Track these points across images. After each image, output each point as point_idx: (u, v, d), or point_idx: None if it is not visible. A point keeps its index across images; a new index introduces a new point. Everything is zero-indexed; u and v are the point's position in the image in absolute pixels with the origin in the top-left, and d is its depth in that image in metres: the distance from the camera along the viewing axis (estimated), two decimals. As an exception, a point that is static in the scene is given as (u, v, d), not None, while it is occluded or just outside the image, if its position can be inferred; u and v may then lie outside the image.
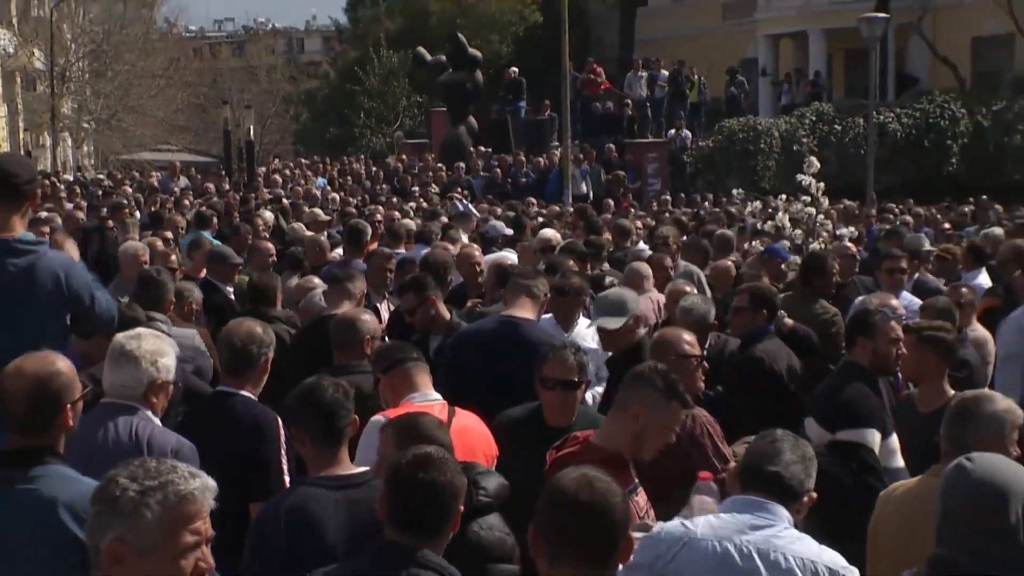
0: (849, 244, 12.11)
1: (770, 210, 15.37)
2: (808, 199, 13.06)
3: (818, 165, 13.12)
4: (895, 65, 39.89)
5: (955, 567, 3.45)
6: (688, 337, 6.47)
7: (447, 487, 3.88)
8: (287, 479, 5.56)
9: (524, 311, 7.12)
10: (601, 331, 7.19)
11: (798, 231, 12.82)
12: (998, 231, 14.09)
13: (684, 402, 5.01)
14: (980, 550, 3.44)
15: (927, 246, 13.01)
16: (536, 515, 3.46)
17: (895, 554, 4.67)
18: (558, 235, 12.69)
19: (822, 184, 13.43)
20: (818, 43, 41.00)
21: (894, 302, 8.26)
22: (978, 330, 8.81)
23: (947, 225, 19.39)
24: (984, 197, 25.67)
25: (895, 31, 37.00)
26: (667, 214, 20.63)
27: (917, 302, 9.12)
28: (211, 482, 3.20)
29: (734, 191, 18.56)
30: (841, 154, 32.78)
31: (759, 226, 13.23)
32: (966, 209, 22.81)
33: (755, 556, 3.99)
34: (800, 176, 12.96)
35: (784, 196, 13.43)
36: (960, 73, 38.03)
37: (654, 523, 4.60)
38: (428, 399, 5.61)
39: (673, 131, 34.80)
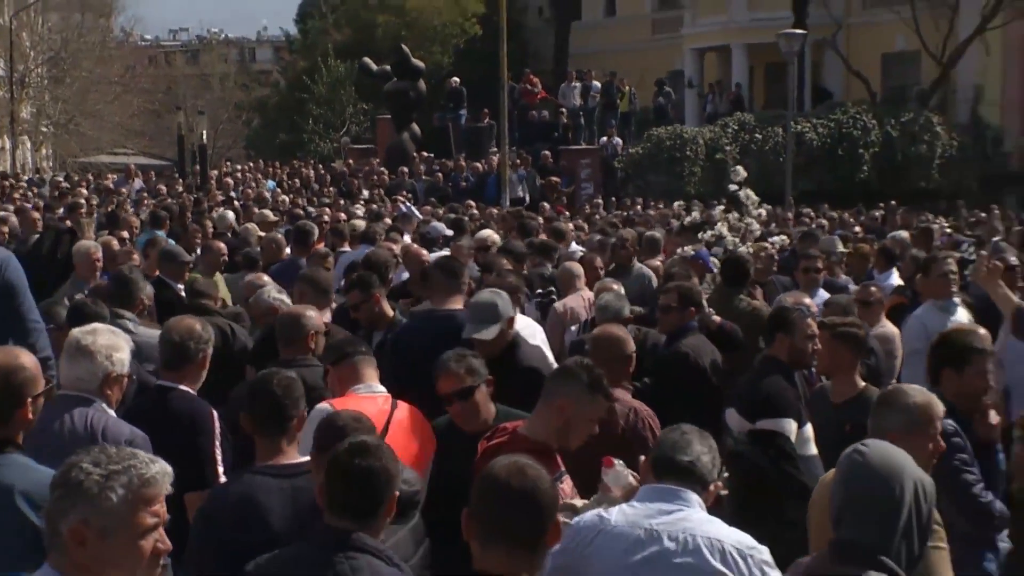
0: (767, 245, 12.19)
1: (703, 216, 15.46)
2: (745, 208, 13.17)
3: (744, 174, 13.18)
4: (811, 78, 40.23)
5: (857, 549, 3.47)
6: (625, 335, 6.55)
7: (382, 473, 3.87)
8: (220, 470, 5.55)
9: (456, 304, 7.15)
10: (476, 341, 6.37)
11: (733, 237, 12.92)
12: (904, 234, 14.31)
13: (607, 396, 5.07)
14: (880, 533, 3.47)
15: (840, 248, 13.17)
16: (470, 501, 3.45)
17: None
18: (495, 235, 12.68)
19: (751, 192, 13.54)
20: (740, 57, 41.24)
21: (807, 300, 8.32)
22: (886, 326, 8.92)
23: (858, 229, 19.58)
24: (893, 202, 26.02)
25: (812, 46, 37.34)
26: (598, 217, 20.73)
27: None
28: (168, 468, 3.21)
29: (676, 203, 18.65)
30: (761, 161, 32.98)
31: (701, 235, 13.28)
32: (876, 214, 23.09)
33: (665, 538, 4.02)
34: (731, 186, 13.03)
35: (723, 206, 13.51)
36: (871, 87, 38.43)
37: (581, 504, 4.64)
38: (373, 390, 5.59)
39: (605, 138, 34.94)
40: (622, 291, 8.91)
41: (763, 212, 13.84)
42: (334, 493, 3.87)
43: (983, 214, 24.03)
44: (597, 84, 36.72)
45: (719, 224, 12.94)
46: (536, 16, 48.65)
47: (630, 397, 6.27)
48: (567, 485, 5.00)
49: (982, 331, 6.43)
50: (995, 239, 14.31)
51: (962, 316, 8.48)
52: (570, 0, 44.54)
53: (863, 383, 6.63)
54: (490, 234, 12.52)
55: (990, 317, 8.39)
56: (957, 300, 8.92)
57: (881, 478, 3.53)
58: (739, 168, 13.38)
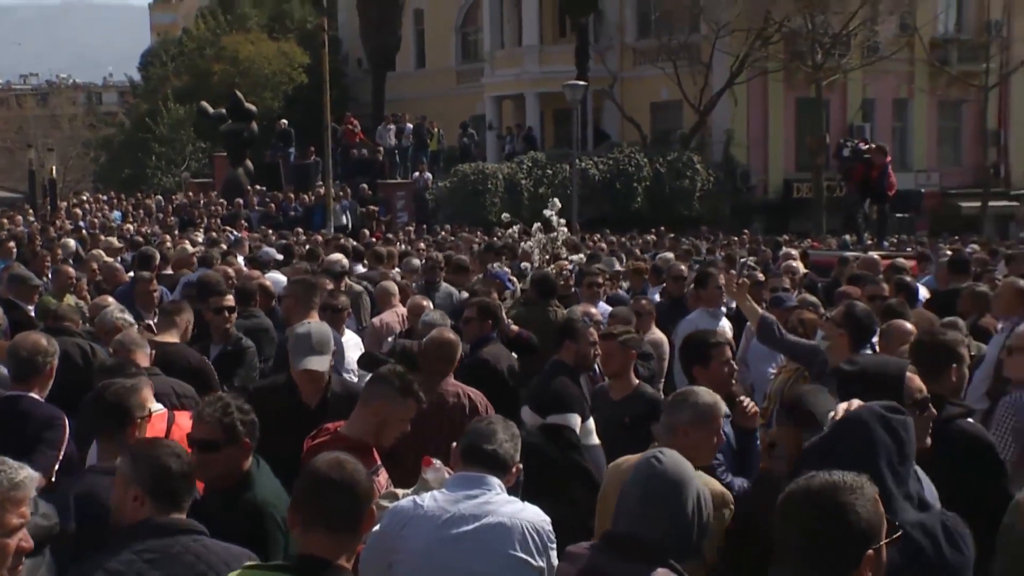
0: (567, 263, 12.35)
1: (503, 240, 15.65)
2: (557, 231, 13.39)
3: (559, 205, 13.45)
4: (593, 122, 40.82)
5: (641, 544, 3.50)
6: (455, 340, 6.58)
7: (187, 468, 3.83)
8: (55, 467, 5.38)
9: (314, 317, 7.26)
10: (308, 372, 5.91)
11: (543, 256, 13.12)
12: (669, 255, 14.68)
13: (418, 399, 5.04)
14: (664, 531, 3.51)
15: (618, 267, 13.39)
16: (294, 492, 3.40)
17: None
18: (344, 259, 12.45)
19: (564, 219, 13.82)
20: (533, 104, 41.63)
21: (592, 310, 8.45)
22: (655, 333, 9.11)
23: (638, 251, 20.02)
24: (662, 228, 26.71)
25: (592, 95, 38.01)
26: (418, 240, 20.70)
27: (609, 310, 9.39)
28: (34, 473, 3.15)
29: (504, 215, 18.75)
30: (551, 193, 33.38)
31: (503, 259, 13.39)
32: (649, 237, 23.67)
33: (471, 519, 4.06)
34: (546, 211, 13.24)
35: (538, 227, 13.70)
36: (642, 130, 39.15)
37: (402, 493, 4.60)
38: (152, 410, 5.20)
39: (417, 173, 34.87)
40: (431, 306, 8.93)
41: (566, 232, 14.08)
42: (155, 490, 3.76)
43: (735, 237, 24.90)
44: (410, 126, 36.75)
45: (529, 242, 13.11)
46: (356, 66, 48.38)
47: (464, 385, 6.36)
48: (383, 478, 4.98)
49: (718, 330, 6.61)
50: (743, 259, 14.75)
51: (725, 323, 8.73)
52: (385, 53, 44.40)
53: (637, 381, 6.76)
54: (339, 258, 12.31)
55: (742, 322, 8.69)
56: (723, 309, 9.18)
57: (674, 483, 3.56)
58: (555, 200, 13.64)
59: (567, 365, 6.83)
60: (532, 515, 4.13)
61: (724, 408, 4.82)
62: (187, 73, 48.84)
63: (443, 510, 4.09)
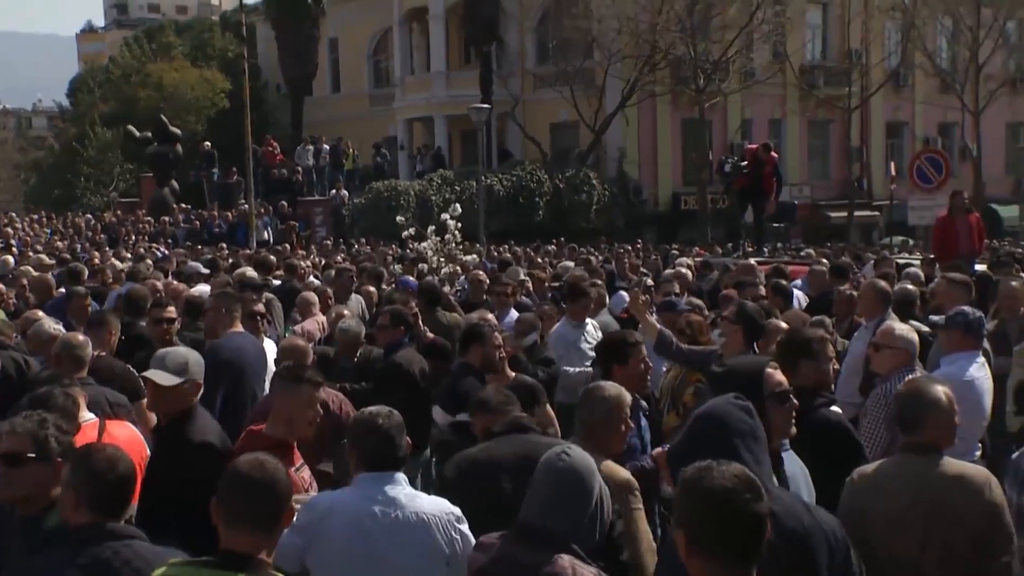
0: (480, 272, 12.33)
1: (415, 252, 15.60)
2: (452, 234, 13.39)
3: (460, 210, 13.47)
4: (497, 142, 40.99)
5: (549, 535, 3.52)
6: (305, 347, 6.80)
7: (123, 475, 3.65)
8: None
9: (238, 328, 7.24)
10: (153, 385, 5.05)
11: (438, 257, 13.12)
12: (570, 263, 14.77)
13: (311, 381, 4.94)
14: (571, 523, 3.54)
15: (522, 276, 13.42)
16: (218, 491, 3.35)
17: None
18: (253, 272, 12.27)
19: (459, 224, 13.85)
20: (441, 125, 41.59)
21: (489, 316, 8.45)
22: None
23: (539, 260, 20.11)
24: (562, 239, 26.87)
25: (497, 117, 38.09)
26: (335, 253, 20.51)
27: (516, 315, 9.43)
28: None
29: (399, 218, 18.63)
30: (460, 208, 33.39)
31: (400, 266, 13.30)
32: (550, 248, 23.80)
33: (387, 513, 4.05)
34: (444, 215, 13.24)
35: (432, 231, 13.68)
36: (543, 149, 39.32)
37: (314, 492, 4.57)
38: (82, 419, 5.04)
39: (334, 191, 34.59)
40: (347, 312, 8.89)
41: (458, 234, 14.08)
42: (89, 494, 3.58)
43: (628, 247, 25.16)
44: (327, 147, 36.46)
45: (426, 245, 13.11)
46: (275, 92, 47.91)
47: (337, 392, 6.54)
48: (306, 473, 4.92)
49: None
50: (645, 279, 14.72)
51: (591, 328, 8.80)
52: (302, 79, 44.05)
53: (514, 373, 6.91)
54: (247, 270, 12.14)
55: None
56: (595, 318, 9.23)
57: (580, 478, 3.57)
58: (457, 205, 13.68)
59: (473, 367, 6.83)
60: (441, 507, 4.15)
61: (628, 398, 4.86)
62: (114, 99, 47.92)
63: (360, 505, 4.07)
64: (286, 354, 6.46)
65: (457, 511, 4.18)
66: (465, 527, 4.15)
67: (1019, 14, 40.40)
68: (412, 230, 15.19)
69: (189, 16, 52.62)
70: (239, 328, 7.21)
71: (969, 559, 4.15)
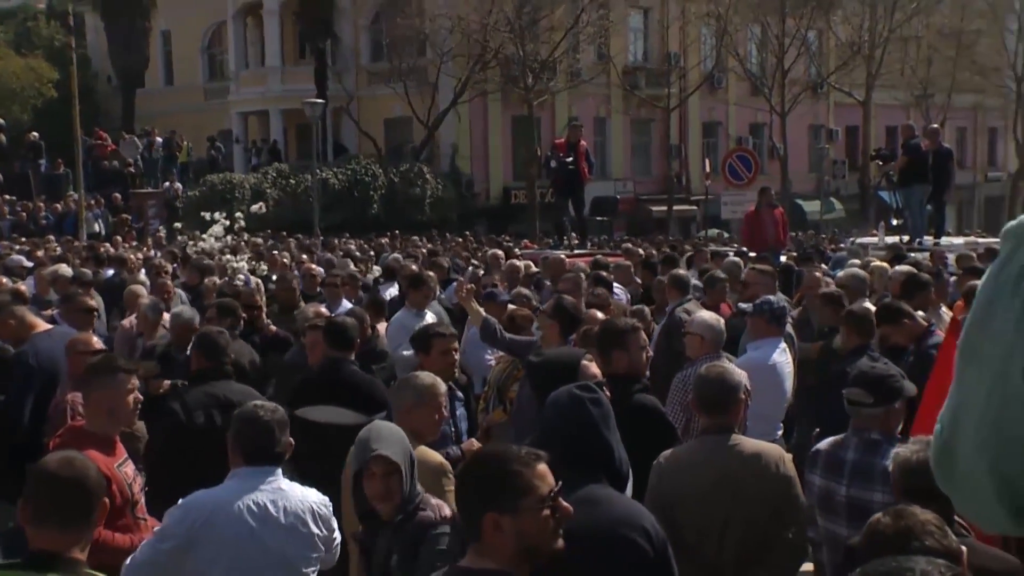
0: (313, 266, 12.10)
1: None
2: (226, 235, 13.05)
3: (265, 210, 13.20)
4: (332, 136, 40.49)
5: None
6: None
7: None
8: None
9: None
10: None
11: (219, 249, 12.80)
12: (399, 256, 14.70)
13: (126, 369, 4.81)
14: None
15: (352, 268, 13.31)
16: (24, 490, 3.21)
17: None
18: (68, 269, 11.74)
19: (239, 216, 13.55)
20: (276, 119, 40.81)
21: (322, 309, 8.35)
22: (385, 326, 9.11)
23: (372, 253, 19.93)
24: (396, 232, 26.75)
25: (332, 112, 37.66)
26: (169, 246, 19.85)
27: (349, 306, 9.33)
28: None
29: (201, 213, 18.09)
30: (296, 201, 32.87)
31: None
32: (383, 240, 23.61)
33: (272, 506, 4.03)
34: (254, 207, 12.94)
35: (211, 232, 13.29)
36: (377, 144, 39.09)
37: (137, 487, 4.43)
38: None
39: (168, 183, 33.45)
40: (188, 306, 8.66)
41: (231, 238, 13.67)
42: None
43: (459, 239, 25.25)
44: (160, 140, 35.23)
45: (210, 239, 12.78)
46: (106, 83, 45.88)
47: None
48: (129, 468, 4.76)
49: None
50: (478, 271, 14.74)
51: (431, 317, 8.82)
52: (134, 70, 42.36)
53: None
54: (67, 269, 11.60)
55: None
56: (429, 308, 9.24)
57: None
58: (261, 204, 13.42)
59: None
60: (316, 496, 4.18)
61: (444, 388, 4.88)
62: (-67, 87, 44.96)
63: (245, 499, 4.01)
64: (70, 348, 6.16)
65: (327, 500, 4.22)
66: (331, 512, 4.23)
67: (819, 24, 42.39)
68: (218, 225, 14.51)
69: (12, 3, 49.63)
70: (43, 327, 6.77)
71: (767, 529, 4.37)
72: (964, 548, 2.96)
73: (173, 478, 5.00)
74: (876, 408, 4.48)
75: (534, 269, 12.32)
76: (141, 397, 4.83)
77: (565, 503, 2.74)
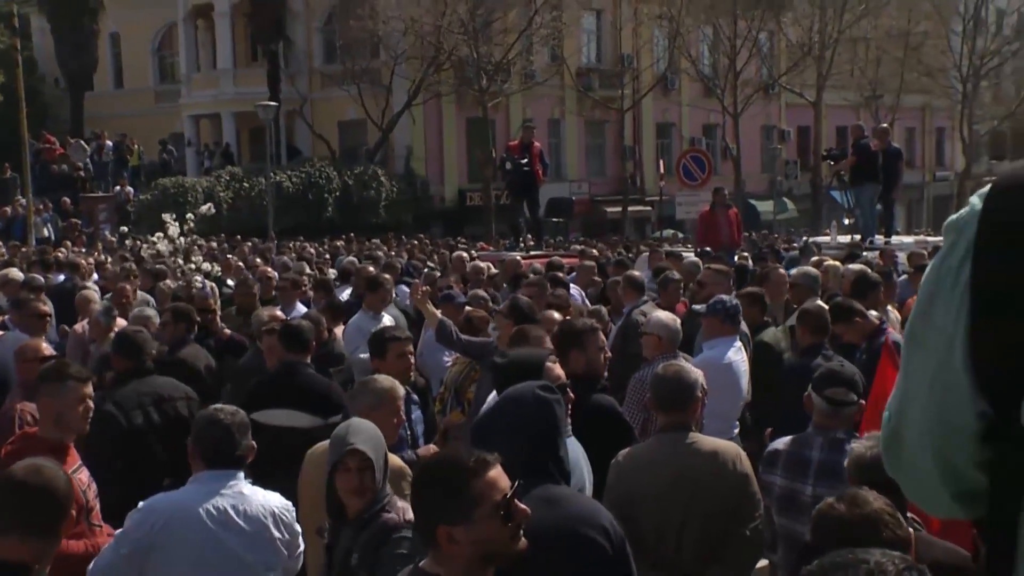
0: (268, 269, 12.01)
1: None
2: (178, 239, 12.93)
3: (213, 211, 13.08)
4: (286, 139, 40.22)
5: None
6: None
7: None
8: None
9: None
10: None
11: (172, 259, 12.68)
12: (353, 259, 14.65)
13: (78, 377, 4.74)
14: None
15: (307, 271, 13.25)
16: None
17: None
18: (19, 273, 11.58)
19: (190, 217, 13.48)
20: (229, 122, 40.42)
21: (278, 312, 8.30)
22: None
23: (328, 256, 19.81)
24: (352, 234, 26.62)
25: (285, 115, 37.42)
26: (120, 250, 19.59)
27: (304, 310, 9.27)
28: None
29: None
30: (250, 204, 32.63)
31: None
32: (339, 243, 23.50)
33: (233, 511, 4.01)
34: (203, 207, 12.83)
35: (159, 236, 13.15)
36: (331, 146, 38.89)
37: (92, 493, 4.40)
38: None
39: (119, 187, 33.02)
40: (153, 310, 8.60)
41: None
42: None
43: (415, 241, 25.20)
44: (110, 143, 34.79)
45: (161, 241, 12.66)
46: (54, 86, 45.19)
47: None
48: (84, 475, 4.71)
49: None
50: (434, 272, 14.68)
51: (387, 320, 8.81)
52: (82, 73, 41.77)
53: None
54: (17, 273, 11.44)
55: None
56: (386, 311, 9.23)
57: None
58: (210, 204, 13.33)
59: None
60: (279, 500, 4.16)
61: (401, 391, 4.87)
62: None
63: (206, 504, 3.98)
64: (19, 355, 6.10)
65: (290, 504, 4.20)
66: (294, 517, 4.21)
67: (770, 26, 42.84)
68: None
69: (-44, 5, 48.78)
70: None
71: (725, 526, 4.42)
72: (912, 532, 3.03)
73: (122, 481, 4.96)
74: (854, 406, 4.60)
75: (493, 271, 12.34)
76: (92, 406, 4.77)
77: (522, 505, 2.67)
